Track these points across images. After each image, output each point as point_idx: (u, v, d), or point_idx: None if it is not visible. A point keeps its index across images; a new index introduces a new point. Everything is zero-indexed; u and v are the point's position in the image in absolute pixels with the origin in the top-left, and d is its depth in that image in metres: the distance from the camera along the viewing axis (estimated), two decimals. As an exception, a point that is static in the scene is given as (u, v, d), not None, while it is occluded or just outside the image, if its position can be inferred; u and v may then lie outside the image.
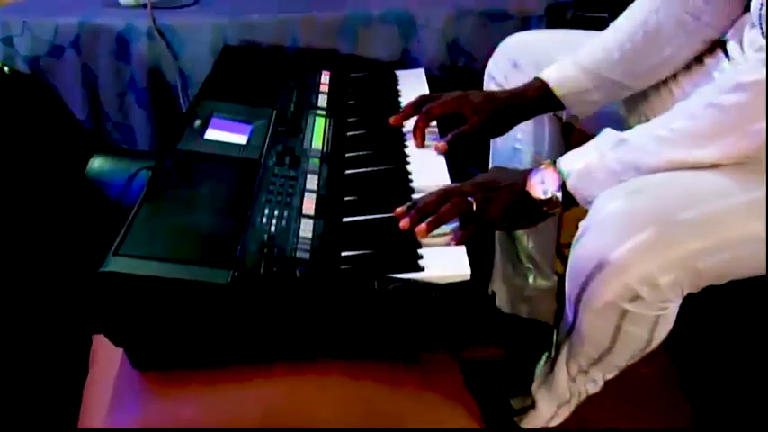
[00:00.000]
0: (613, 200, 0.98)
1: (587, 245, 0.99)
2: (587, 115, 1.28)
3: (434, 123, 1.31)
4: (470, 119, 1.24)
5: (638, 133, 1.03)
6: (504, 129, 1.27)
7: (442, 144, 1.24)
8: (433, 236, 1.06)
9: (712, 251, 0.96)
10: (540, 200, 1.05)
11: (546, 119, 1.39)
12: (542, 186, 1.05)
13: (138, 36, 1.61)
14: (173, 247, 0.95)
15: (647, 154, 1.00)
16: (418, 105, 1.29)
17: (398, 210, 1.08)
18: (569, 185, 1.04)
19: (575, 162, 1.05)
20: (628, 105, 1.30)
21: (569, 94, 1.24)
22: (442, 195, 1.08)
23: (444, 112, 1.27)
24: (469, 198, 1.07)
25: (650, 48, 1.21)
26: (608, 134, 1.05)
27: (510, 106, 1.25)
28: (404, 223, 1.06)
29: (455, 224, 1.07)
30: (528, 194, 1.06)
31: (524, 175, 1.08)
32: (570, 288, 1.03)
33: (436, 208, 1.06)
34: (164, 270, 0.92)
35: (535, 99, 1.25)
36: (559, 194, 1.04)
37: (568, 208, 1.06)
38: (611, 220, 0.97)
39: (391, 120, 1.31)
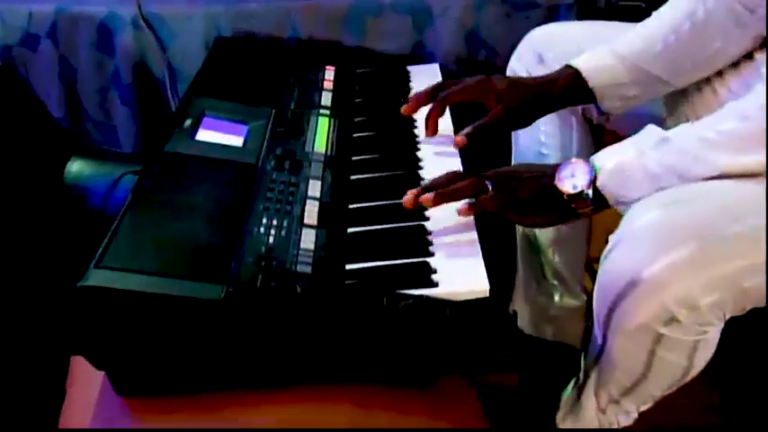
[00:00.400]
0: (649, 211, 0.99)
1: (618, 260, 1.00)
2: (619, 113, 1.29)
3: (448, 116, 1.33)
4: (493, 107, 1.25)
5: (682, 133, 1.03)
6: (529, 119, 1.28)
7: (461, 138, 1.25)
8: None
9: (760, 270, 0.96)
10: (569, 195, 1.06)
11: (574, 120, 1.40)
12: (572, 180, 1.06)
13: (123, 25, 1.63)
14: (160, 260, 0.98)
15: (691, 158, 1.01)
16: (433, 93, 1.30)
17: (406, 197, 1.11)
18: (599, 182, 1.05)
19: (610, 158, 1.06)
20: (666, 105, 1.31)
21: (603, 87, 1.25)
22: (456, 174, 1.11)
23: (464, 99, 1.28)
24: (487, 182, 1.09)
25: (697, 41, 1.21)
26: (650, 131, 1.05)
27: (538, 95, 1.26)
28: (407, 198, 1.10)
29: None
30: (555, 188, 1.07)
31: (553, 168, 1.09)
32: (599, 308, 1.04)
33: (447, 183, 1.10)
34: (150, 285, 0.94)
35: (565, 89, 1.26)
36: (590, 191, 1.05)
37: (600, 209, 1.08)
38: (645, 233, 0.98)
39: (403, 109, 1.32)
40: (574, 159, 1.08)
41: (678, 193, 1.00)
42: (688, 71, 1.24)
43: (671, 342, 1.01)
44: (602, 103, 1.27)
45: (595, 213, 1.09)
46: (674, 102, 1.30)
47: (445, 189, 1.10)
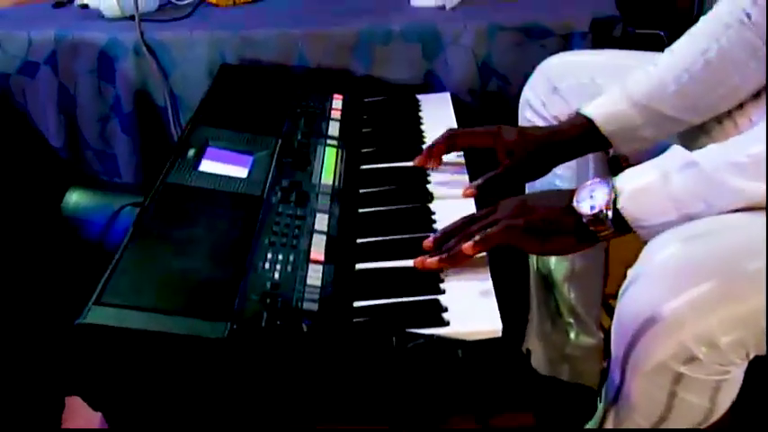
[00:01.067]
0: (668, 245, 0.99)
1: (636, 296, 1.00)
2: (633, 154, 1.30)
3: (461, 153, 1.35)
4: (503, 160, 1.27)
5: (710, 156, 1.02)
6: (541, 171, 1.30)
7: (470, 190, 1.28)
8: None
9: None
10: (587, 217, 1.06)
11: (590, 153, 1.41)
12: (590, 202, 1.06)
13: (124, 52, 1.65)
14: (162, 297, 0.98)
15: (718, 184, 1.00)
16: (446, 140, 1.32)
17: (416, 260, 1.13)
18: (620, 203, 1.04)
19: (632, 180, 1.06)
20: (684, 139, 1.32)
21: (617, 131, 1.26)
22: (465, 222, 1.12)
23: (472, 144, 1.31)
24: (499, 215, 1.11)
25: (712, 79, 1.21)
26: (675, 152, 1.05)
27: (549, 146, 1.27)
28: (416, 262, 1.12)
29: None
30: (573, 210, 1.07)
31: (571, 191, 1.10)
32: (616, 346, 1.04)
33: (461, 229, 1.12)
34: (151, 322, 0.94)
35: (578, 138, 1.27)
36: (609, 212, 1.05)
37: (621, 233, 1.07)
38: (664, 269, 0.98)
39: (416, 161, 1.35)
40: (593, 180, 1.08)
41: (699, 226, 1.00)
42: (704, 110, 1.24)
43: (692, 382, 1.01)
44: (620, 148, 1.28)
45: (616, 237, 1.08)
46: (691, 137, 1.30)
47: (445, 255, 1.11)
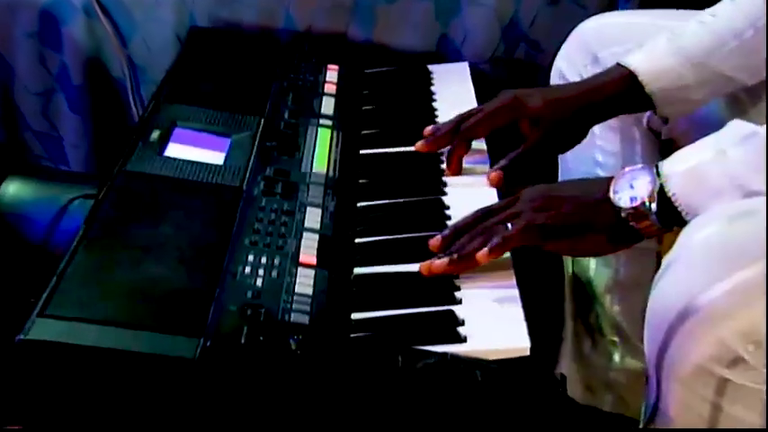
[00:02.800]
0: (709, 224, 0.98)
1: (669, 286, 0.99)
2: (675, 117, 1.32)
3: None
4: (529, 133, 1.28)
5: None
6: (575, 139, 1.30)
7: (495, 174, 1.28)
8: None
9: None
10: (625, 210, 1.07)
11: (637, 133, 1.42)
12: (630, 192, 1.07)
13: (72, 12, 1.66)
14: (119, 308, 0.99)
15: None
16: (455, 128, 1.33)
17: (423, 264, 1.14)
18: (668, 189, 1.05)
19: (681, 161, 1.06)
20: (731, 107, 1.33)
21: (664, 90, 1.26)
22: (479, 217, 1.14)
23: (492, 128, 1.31)
24: (509, 224, 1.12)
25: None
26: (734, 127, 1.06)
27: (582, 109, 1.28)
28: (423, 266, 1.13)
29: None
30: (609, 203, 1.08)
31: (607, 180, 1.10)
32: (650, 350, 1.03)
33: (474, 225, 1.13)
34: (107, 338, 0.95)
35: (616, 96, 1.27)
36: (653, 204, 1.06)
37: (670, 227, 1.07)
38: (703, 252, 0.97)
39: (418, 145, 1.35)
40: (634, 167, 1.09)
41: (743, 204, 1.00)
42: (759, 70, 1.25)
43: (738, 392, 0.99)
44: (663, 110, 1.28)
45: (664, 233, 1.08)
46: (738, 103, 1.31)
47: (460, 255, 1.12)
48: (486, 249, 1.11)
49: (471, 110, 1.35)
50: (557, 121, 1.28)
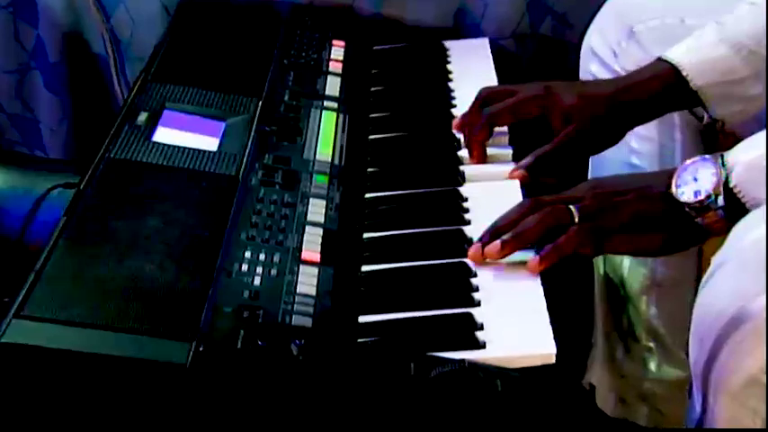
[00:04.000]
0: (762, 223, 0.97)
1: (718, 290, 0.98)
2: (736, 120, 1.29)
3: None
4: (560, 129, 1.28)
5: None
6: (612, 139, 1.31)
7: (519, 172, 1.28)
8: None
9: None
10: (689, 205, 1.08)
11: (677, 120, 1.42)
12: (694, 186, 1.08)
13: (50, -18, 1.67)
14: (104, 309, 0.99)
15: None
16: (478, 110, 1.34)
17: (471, 251, 1.15)
18: (733, 180, 1.05)
19: (747, 149, 1.07)
20: None
21: (713, 86, 1.25)
22: (529, 205, 1.14)
23: (518, 119, 1.32)
24: (572, 206, 1.12)
25: None
26: None
27: (620, 108, 1.28)
28: (472, 251, 1.14)
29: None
30: (671, 198, 1.09)
31: (668, 173, 1.11)
32: (695, 360, 1.02)
33: (517, 220, 1.13)
34: (91, 342, 0.96)
35: (659, 94, 1.27)
36: (720, 198, 1.06)
37: (736, 221, 1.07)
38: (755, 254, 0.97)
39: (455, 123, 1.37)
40: (696, 158, 1.09)
41: None
42: None
43: None
44: (714, 108, 1.28)
45: (728, 230, 1.06)
46: None
47: (517, 230, 1.12)
48: (536, 259, 1.12)
49: (496, 88, 1.36)
50: (592, 120, 1.27)
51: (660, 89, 1.27)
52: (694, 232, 1.09)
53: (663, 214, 1.10)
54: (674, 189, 1.09)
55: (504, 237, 1.12)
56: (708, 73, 1.25)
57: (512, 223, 1.14)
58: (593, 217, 1.11)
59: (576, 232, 1.11)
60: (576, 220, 1.11)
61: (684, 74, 1.25)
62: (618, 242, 1.13)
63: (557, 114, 1.28)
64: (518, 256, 1.13)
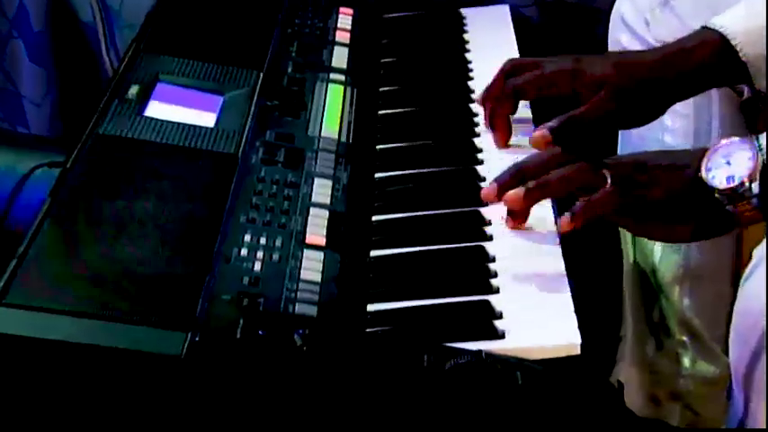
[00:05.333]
0: None
1: (762, 285, 0.99)
2: None
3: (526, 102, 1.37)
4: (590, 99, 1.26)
5: None
6: (648, 116, 1.29)
7: (540, 134, 1.25)
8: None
9: None
10: (722, 191, 1.07)
11: (714, 93, 1.42)
12: (726, 170, 1.08)
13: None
14: (93, 296, 1.00)
15: None
16: (501, 82, 1.33)
17: (486, 189, 1.16)
18: None
19: None
20: None
21: (763, 58, 1.24)
22: (556, 154, 1.15)
23: (545, 94, 1.31)
24: (605, 171, 1.12)
25: None
26: None
27: (662, 78, 1.26)
28: (486, 190, 1.15)
29: None
30: (701, 182, 1.09)
31: (699, 153, 1.10)
32: (736, 357, 1.04)
33: (543, 169, 1.13)
34: (79, 332, 0.96)
35: (706, 66, 1.25)
36: (755, 185, 1.06)
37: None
38: None
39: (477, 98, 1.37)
40: (729, 139, 1.09)
41: None
42: None
43: None
44: (759, 81, 1.26)
45: (759, 219, 1.08)
46: None
47: (544, 179, 1.13)
48: (568, 215, 1.12)
49: (522, 60, 1.35)
50: (628, 91, 1.25)
51: (707, 59, 1.24)
52: (724, 220, 1.09)
53: (692, 199, 1.09)
54: (703, 172, 1.08)
55: (529, 184, 1.13)
56: (760, 43, 1.23)
57: (538, 168, 1.14)
58: (627, 185, 1.11)
59: (610, 194, 1.11)
60: (608, 186, 1.11)
61: (735, 43, 1.23)
62: (643, 226, 1.14)
63: (588, 89, 1.27)
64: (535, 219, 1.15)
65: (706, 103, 1.43)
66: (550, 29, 1.67)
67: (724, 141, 1.09)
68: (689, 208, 1.10)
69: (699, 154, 1.10)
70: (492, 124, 1.34)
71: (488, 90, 1.36)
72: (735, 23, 1.24)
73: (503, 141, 1.34)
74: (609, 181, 1.11)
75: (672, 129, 1.45)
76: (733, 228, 1.10)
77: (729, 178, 1.07)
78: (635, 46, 1.44)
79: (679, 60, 1.25)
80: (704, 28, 1.25)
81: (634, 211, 1.12)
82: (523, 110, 1.36)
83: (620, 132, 1.51)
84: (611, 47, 1.49)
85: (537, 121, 1.35)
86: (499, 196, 1.15)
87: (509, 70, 1.34)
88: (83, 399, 0.98)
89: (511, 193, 1.13)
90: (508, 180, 1.15)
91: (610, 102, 1.26)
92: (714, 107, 1.44)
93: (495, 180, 1.16)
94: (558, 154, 1.15)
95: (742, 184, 1.06)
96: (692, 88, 1.28)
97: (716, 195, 1.08)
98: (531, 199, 1.13)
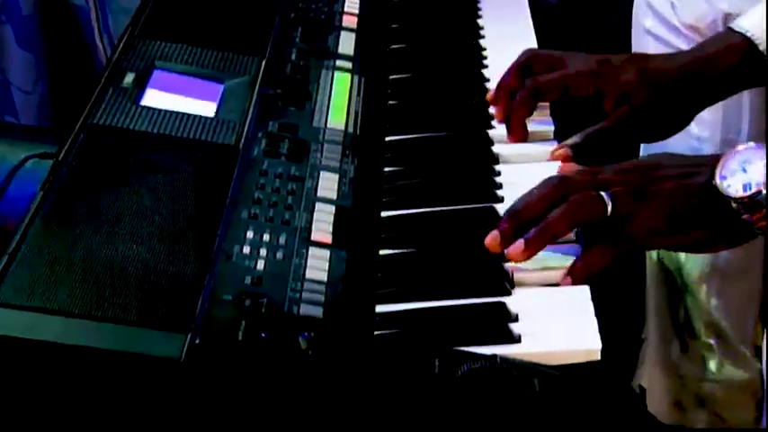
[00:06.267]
0: None
1: None
2: None
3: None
4: (614, 108, 1.28)
5: None
6: (676, 125, 1.31)
7: (562, 152, 1.29)
8: (532, 266, 1.12)
9: None
10: (737, 200, 1.07)
11: (746, 99, 1.44)
12: (742, 177, 1.08)
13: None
14: (87, 295, 1.01)
15: None
16: (521, 72, 1.34)
17: (489, 238, 1.14)
18: None
19: None
20: None
21: None
22: (555, 187, 1.13)
23: (567, 94, 1.31)
24: (603, 193, 1.11)
25: None
26: None
27: (689, 88, 1.28)
28: (489, 239, 1.13)
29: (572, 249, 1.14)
30: (715, 190, 1.09)
31: (712, 159, 1.10)
32: None
33: (543, 210, 1.12)
34: (73, 333, 0.97)
35: (734, 69, 1.27)
36: None
37: None
38: None
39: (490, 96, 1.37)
40: (746, 145, 1.09)
41: None
42: None
43: None
44: None
45: None
46: None
47: (536, 229, 1.11)
48: (576, 274, 1.11)
49: (540, 53, 1.36)
50: (653, 100, 1.27)
51: (736, 62, 1.26)
52: (741, 230, 1.08)
53: (702, 209, 1.09)
54: (717, 180, 1.08)
55: (528, 234, 1.12)
56: None
57: (534, 210, 1.13)
58: (626, 211, 1.10)
59: (600, 250, 1.12)
60: (609, 211, 1.10)
61: (762, 48, 1.25)
62: (654, 239, 1.13)
63: (612, 94, 1.28)
64: (550, 258, 1.14)
65: (735, 99, 1.43)
66: (570, 14, 1.67)
67: (740, 147, 1.09)
68: (701, 217, 1.10)
69: (711, 160, 1.10)
70: (508, 126, 1.34)
71: (502, 85, 1.36)
72: (754, 23, 1.26)
73: (518, 140, 1.34)
74: (609, 208, 1.10)
75: (699, 120, 1.45)
76: (749, 238, 1.09)
77: (746, 186, 1.07)
78: (660, 30, 1.45)
79: (705, 66, 1.27)
80: (728, 30, 1.27)
81: (645, 231, 1.12)
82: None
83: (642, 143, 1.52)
84: (635, 31, 1.50)
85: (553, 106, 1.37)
86: (501, 248, 1.13)
87: (525, 63, 1.34)
88: (76, 404, 0.99)
89: (511, 250, 1.12)
90: (507, 229, 1.13)
91: (633, 118, 1.28)
92: (744, 100, 1.45)
93: (497, 229, 1.14)
94: (552, 189, 1.13)
95: (759, 191, 1.06)
96: (718, 94, 1.30)
97: (732, 205, 1.07)
98: (534, 249, 1.12)
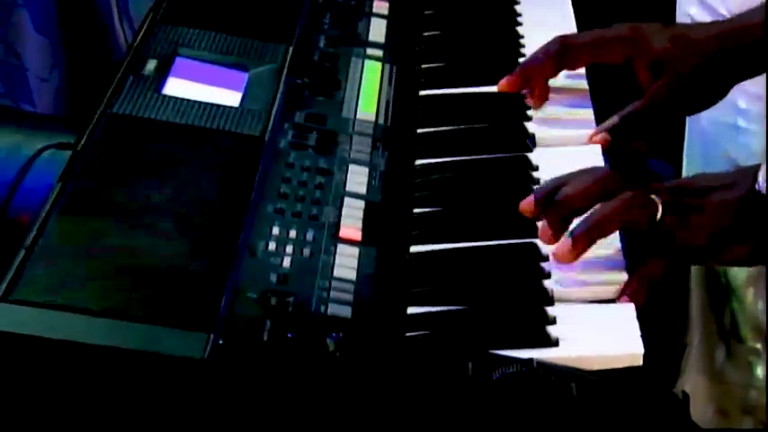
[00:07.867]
0: None
1: None
2: None
3: (581, 72, 1.38)
4: (646, 81, 1.28)
5: None
6: (712, 96, 1.31)
7: (601, 136, 1.29)
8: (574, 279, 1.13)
9: None
10: None
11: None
12: None
13: None
14: (107, 293, 1.01)
15: None
16: (556, 55, 1.34)
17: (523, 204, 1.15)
18: None
19: None
20: None
21: None
22: (605, 180, 1.13)
23: (598, 61, 1.32)
24: (654, 196, 1.11)
25: None
26: None
27: (724, 54, 1.28)
28: (525, 204, 1.14)
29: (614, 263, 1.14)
30: (757, 198, 1.09)
31: (748, 171, 1.11)
32: None
33: (589, 203, 1.12)
34: (92, 332, 0.97)
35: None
36: None
37: None
38: None
39: (502, 83, 1.37)
40: None
41: None
42: None
43: None
44: None
45: None
46: None
47: (591, 220, 1.11)
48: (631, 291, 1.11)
49: (569, 38, 1.36)
50: (688, 70, 1.27)
51: None
52: None
53: (747, 221, 1.09)
54: (760, 182, 1.08)
55: (576, 231, 1.11)
56: None
57: (580, 201, 1.12)
58: (677, 219, 1.10)
59: (655, 262, 1.12)
60: (659, 215, 1.10)
61: None
62: (697, 257, 1.15)
63: (644, 62, 1.29)
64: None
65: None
66: (612, 2, 1.67)
67: None
68: (745, 228, 1.10)
69: (752, 171, 1.10)
70: (525, 79, 1.35)
71: (528, 66, 1.36)
72: None
73: (538, 106, 1.35)
74: (660, 212, 1.10)
75: (745, 110, 1.45)
76: None
77: None
78: (705, 18, 1.45)
79: (740, 35, 1.27)
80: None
81: (689, 252, 1.13)
82: (579, 80, 1.38)
83: (688, 120, 1.51)
84: (679, 19, 1.50)
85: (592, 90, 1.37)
86: (548, 242, 1.13)
87: (559, 52, 1.33)
88: (94, 404, 0.99)
89: (558, 249, 1.11)
90: (553, 219, 1.13)
91: (669, 90, 1.27)
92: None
93: (532, 196, 1.15)
94: (601, 181, 1.13)
95: None
96: (758, 66, 1.29)
97: None
98: (582, 248, 1.11)
